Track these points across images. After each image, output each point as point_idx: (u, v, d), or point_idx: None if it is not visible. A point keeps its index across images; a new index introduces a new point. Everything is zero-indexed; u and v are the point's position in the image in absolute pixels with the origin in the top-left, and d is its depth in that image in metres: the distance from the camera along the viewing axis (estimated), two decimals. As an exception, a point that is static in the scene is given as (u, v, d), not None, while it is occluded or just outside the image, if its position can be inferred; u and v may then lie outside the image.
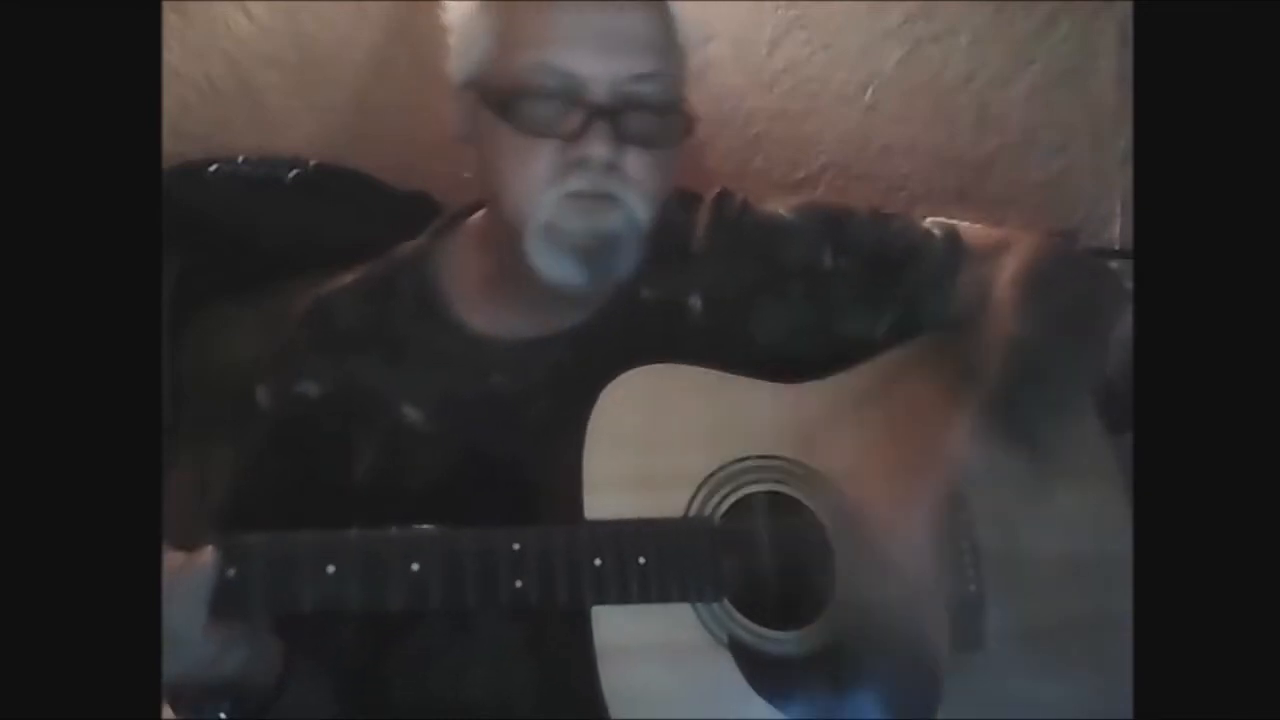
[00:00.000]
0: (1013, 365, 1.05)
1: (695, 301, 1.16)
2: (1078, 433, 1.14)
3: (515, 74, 1.05)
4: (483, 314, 1.14)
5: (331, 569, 0.91)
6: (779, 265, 1.17)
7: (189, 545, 0.91)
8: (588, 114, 1.02)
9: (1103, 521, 1.10)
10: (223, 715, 0.98)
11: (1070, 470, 1.12)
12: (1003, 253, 1.16)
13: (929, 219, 1.22)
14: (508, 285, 1.12)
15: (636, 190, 1.05)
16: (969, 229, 1.21)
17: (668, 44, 1.08)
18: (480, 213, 1.17)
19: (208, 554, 0.90)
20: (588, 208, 1.05)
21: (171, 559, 0.89)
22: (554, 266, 1.06)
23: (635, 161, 1.05)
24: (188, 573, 0.89)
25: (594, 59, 1.03)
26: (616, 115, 1.03)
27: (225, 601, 0.90)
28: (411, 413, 1.11)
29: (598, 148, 1.02)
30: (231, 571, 0.90)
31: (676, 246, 1.17)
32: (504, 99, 1.05)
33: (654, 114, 1.05)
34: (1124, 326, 1.10)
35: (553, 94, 1.03)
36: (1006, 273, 1.13)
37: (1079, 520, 1.11)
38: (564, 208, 1.04)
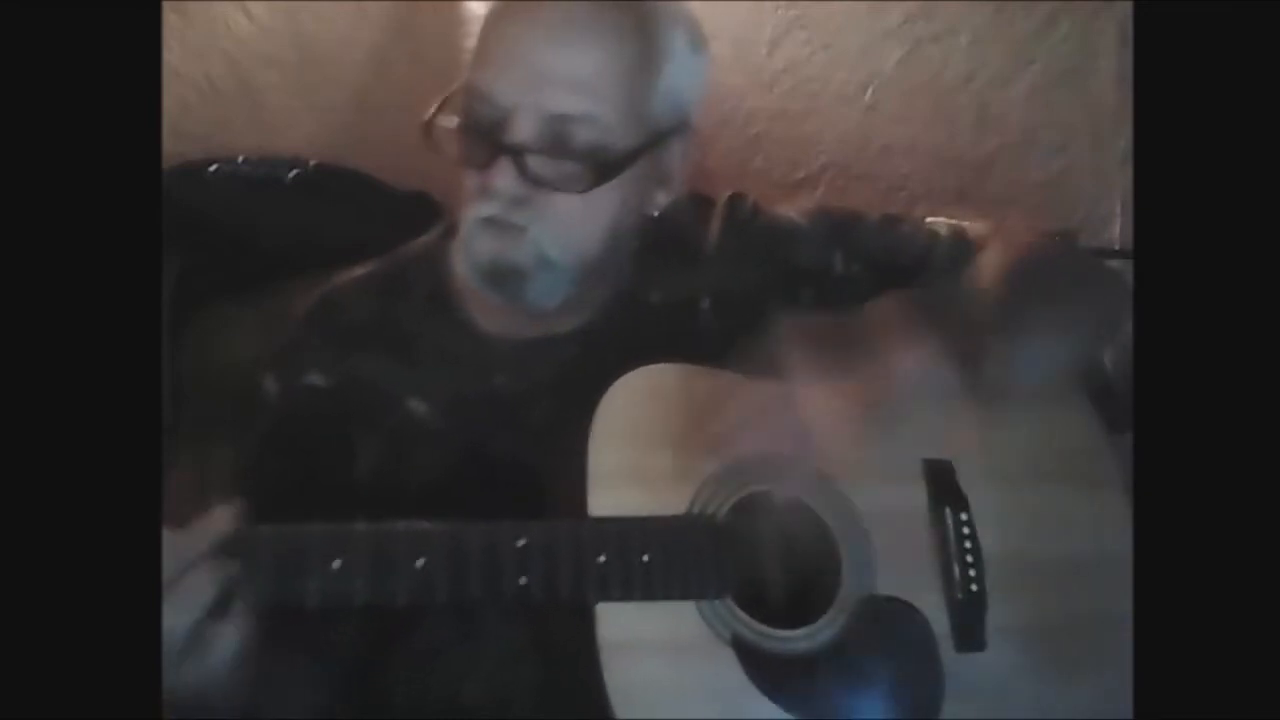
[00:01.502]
0: (978, 312, 1.05)
1: (705, 304, 1.16)
2: (1078, 433, 1.15)
3: (465, 91, 1.06)
4: (491, 313, 1.14)
5: (338, 563, 0.91)
6: (790, 269, 1.17)
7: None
8: (494, 150, 1.03)
9: (1103, 522, 1.10)
10: None
11: (1070, 470, 1.13)
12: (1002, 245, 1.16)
13: (929, 219, 1.22)
14: None
15: (551, 227, 1.05)
16: (978, 233, 1.21)
17: (623, 83, 1.05)
18: None
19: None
20: (496, 234, 1.05)
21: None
22: (471, 281, 1.08)
23: (558, 198, 1.04)
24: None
25: (518, 90, 1.03)
26: (523, 155, 1.02)
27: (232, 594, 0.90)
28: (419, 408, 1.11)
29: (503, 181, 1.03)
30: (238, 564, 0.90)
31: (687, 249, 1.18)
32: (432, 121, 1.07)
33: (576, 158, 1.04)
34: (1123, 324, 1.10)
35: (478, 120, 1.04)
36: (996, 256, 1.13)
37: (1080, 520, 1.11)
38: (477, 230, 1.06)
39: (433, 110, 1.07)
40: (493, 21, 1.07)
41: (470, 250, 1.07)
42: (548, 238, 1.05)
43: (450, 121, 1.07)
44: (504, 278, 1.06)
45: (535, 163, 1.03)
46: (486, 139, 1.04)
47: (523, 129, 1.03)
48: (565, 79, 1.03)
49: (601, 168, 1.05)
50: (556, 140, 1.03)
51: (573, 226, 1.06)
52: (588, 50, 1.04)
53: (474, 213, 1.06)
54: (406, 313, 1.15)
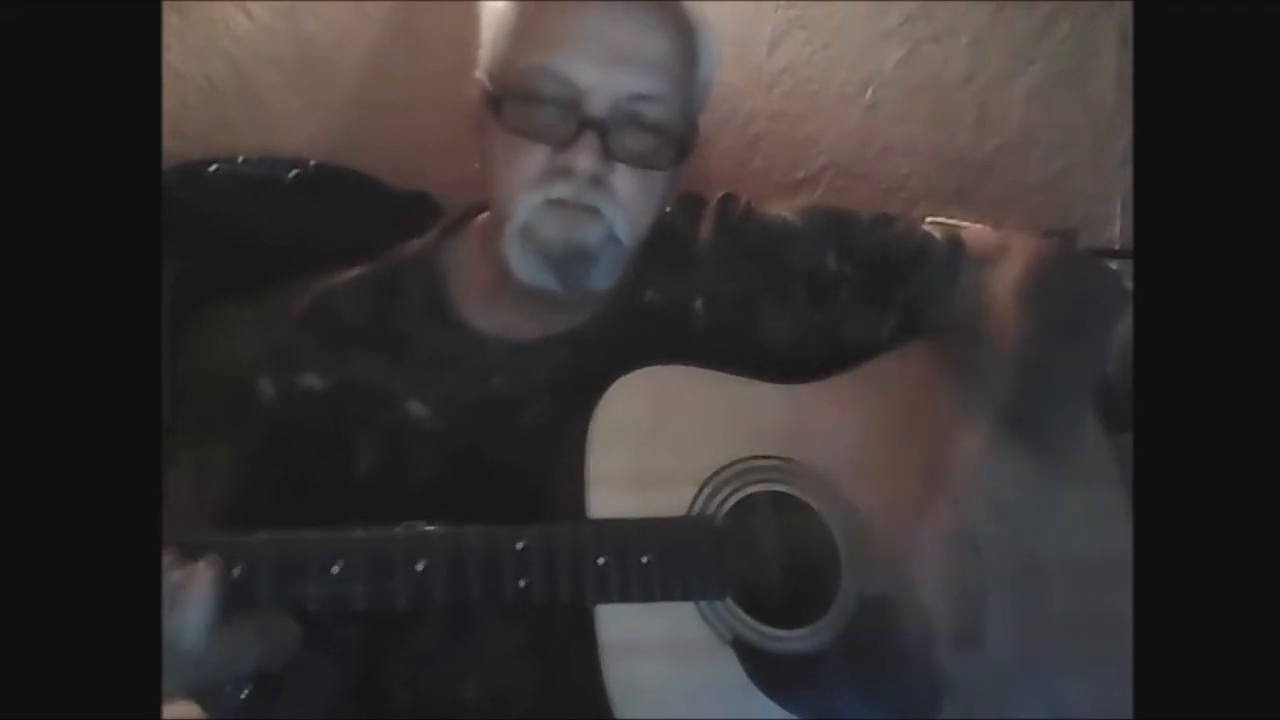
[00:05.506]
0: (1023, 375, 1.06)
1: (699, 305, 1.16)
2: (1081, 433, 1.15)
3: (518, 74, 1.05)
4: (487, 314, 1.14)
5: (337, 567, 0.92)
6: (783, 269, 1.17)
7: (190, 552, 0.90)
8: (579, 124, 1.02)
9: (1103, 522, 1.10)
10: (244, 695, 0.97)
11: (1074, 471, 1.13)
12: (1004, 255, 1.16)
13: (929, 219, 1.22)
14: (510, 286, 1.12)
15: (621, 207, 1.05)
16: (970, 231, 1.21)
17: (679, 69, 1.07)
18: (486, 213, 1.17)
19: (208, 566, 0.90)
20: (567, 217, 1.05)
21: (172, 574, 0.89)
22: (527, 269, 1.07)
23: (624, 179, 1.04)
24: (190, 587, 0.89)
25: (596, 71, 1.03)
26: (608, 130, 1.03)
27: (232, 602, 0.90)
28: (416, 410, 1.11)
29: (584, 159, 1.02)
30: (237, 570, 0.90)
31: (680, 250, 1.18)
32: (502, 97, 1.05)
33: (650, 135, 1.05)
34: (1124, 326, 1.10)
35: (549, 99, 1.03)
36: (1008, 278, 1.13)
37: (1082, 520, 1.11)
38: (544, 213, 1.05)
39: (511, 89, 1.05)
40: (560, 5, 1.06)
41: (536, 235, 1.05)
42: (617, 216, 1.05)
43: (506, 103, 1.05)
44: (572, 261, 1.06)
45: (619, 138, 1.03)
46: (565, 117, 1.03)
47: (600, 107, 1.03)
48: (641, 59, 1.04)
49: (675, 147, 1.07)
50: (631, 118, 1.04)
51: (637, 207, 1.06)
52: (658, 34, 1.06)
53: (539, 196, 1.04)
54: (402, 314, 1.15)
